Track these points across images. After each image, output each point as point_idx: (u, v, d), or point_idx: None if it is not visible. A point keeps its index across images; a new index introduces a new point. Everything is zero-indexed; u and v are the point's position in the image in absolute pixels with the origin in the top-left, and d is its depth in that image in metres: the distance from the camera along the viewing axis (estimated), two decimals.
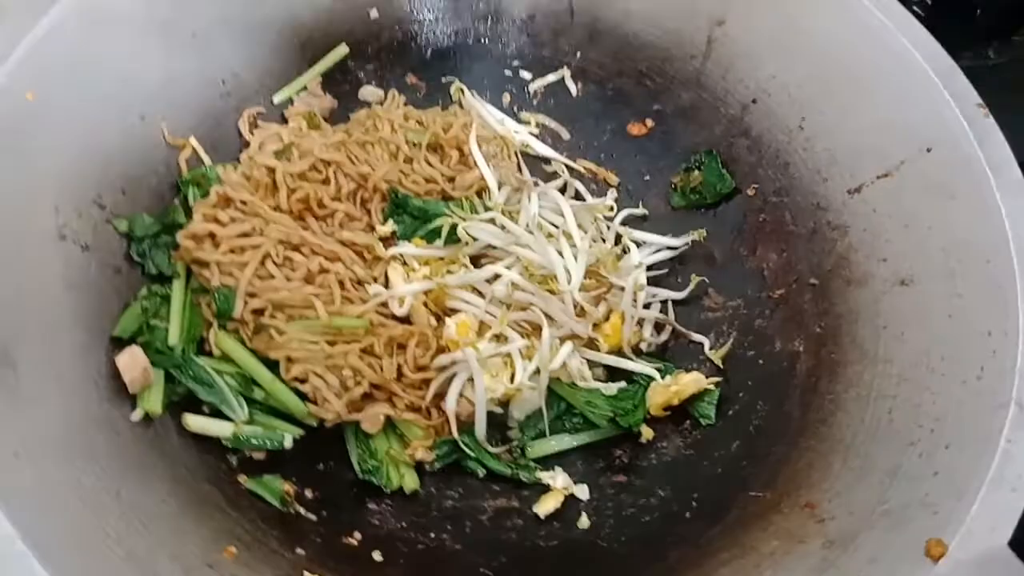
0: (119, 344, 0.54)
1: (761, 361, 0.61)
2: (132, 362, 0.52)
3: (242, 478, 0.53)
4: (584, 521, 0.56)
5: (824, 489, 0.51)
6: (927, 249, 0.56)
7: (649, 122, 0.71)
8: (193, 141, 0.63)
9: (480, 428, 0.56)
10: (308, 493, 0.55)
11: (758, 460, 0.56)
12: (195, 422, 0.53)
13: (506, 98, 0.72)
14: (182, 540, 0.47)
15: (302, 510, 0.54)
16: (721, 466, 0.57)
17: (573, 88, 0.72)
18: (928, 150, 0.57)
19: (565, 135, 0.72)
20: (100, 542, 0.43)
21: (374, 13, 0.70)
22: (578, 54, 0.72)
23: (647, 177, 0.70)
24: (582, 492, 0.56)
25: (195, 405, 0.55)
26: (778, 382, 0.60)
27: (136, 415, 0.52)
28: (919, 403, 0.51)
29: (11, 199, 0.50)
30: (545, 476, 0.56)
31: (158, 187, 0.61)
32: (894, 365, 0.54)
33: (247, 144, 0.64)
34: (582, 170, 0.70)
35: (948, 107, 0.56)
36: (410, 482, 0.55)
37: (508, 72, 0.73)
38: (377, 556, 0.53)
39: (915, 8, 0.80)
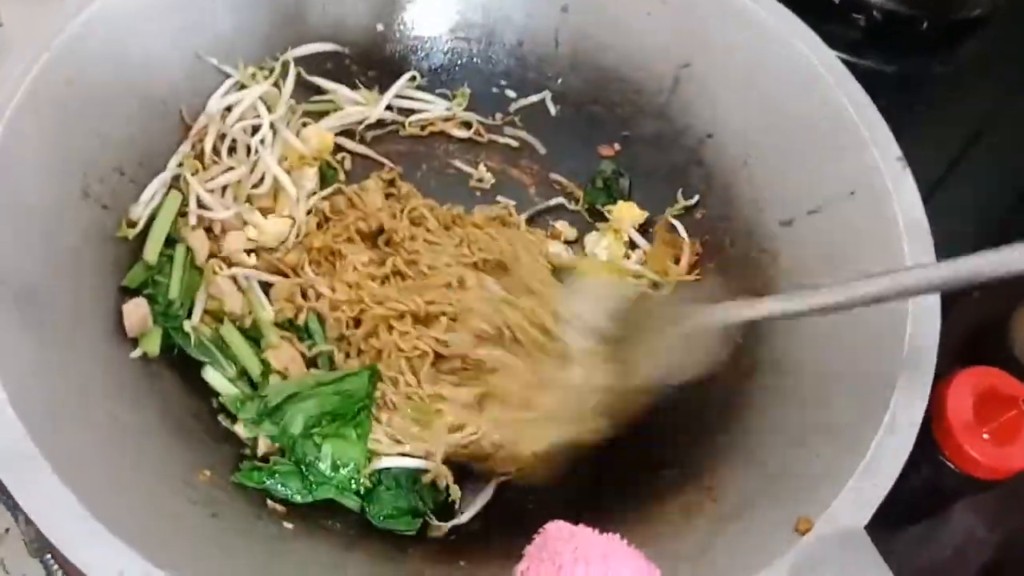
0: (128, 293, 0.62)
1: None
2: (136, 310, 0.60)
3: (221, 417, 0.61)
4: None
5: (723, 474, 0.59)
6: (840, 279, 0.64)
7: (617, 145, 0.79)
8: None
9: None
10: None
11: (674, 445, 0.64)
12: (212, 376, 0.62)
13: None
14: (165, 459, 0.55)
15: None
16: (641, 446, 0.64)
17: (552, 109, 0.80)
18: (852, 193, 0.65)
19: (541, 149, 0.80)
20: (97, 452, 0.51)
21: (379, 27, 0.79)
22: (559, 79, 0.80)
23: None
24: None
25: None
26: (703, 382, 0.67)
27: (135, 353, 0.60)
28: (812, 410, 0.59)
29: (48, 163, 0.59)
30: None
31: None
32: (797, 378, 0.62)
33: None
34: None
35: (872, 158, 0.65)
36: None
37: (495, 89, 0.81)
38: None
39: (864, 17, 0.88)
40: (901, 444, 0.53)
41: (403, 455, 0.60)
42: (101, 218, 0.62)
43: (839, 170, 0.67)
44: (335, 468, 0.58)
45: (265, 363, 0.62)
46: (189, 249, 0.65)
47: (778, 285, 0.69)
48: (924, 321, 0.58)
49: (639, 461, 0.63)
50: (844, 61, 0.67)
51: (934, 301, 0.59)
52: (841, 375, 0.59)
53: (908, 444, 0.53)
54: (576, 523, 0.59)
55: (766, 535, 0.52)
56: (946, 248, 0.63)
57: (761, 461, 0.58)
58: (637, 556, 0.43)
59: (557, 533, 0.44)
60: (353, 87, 0.78)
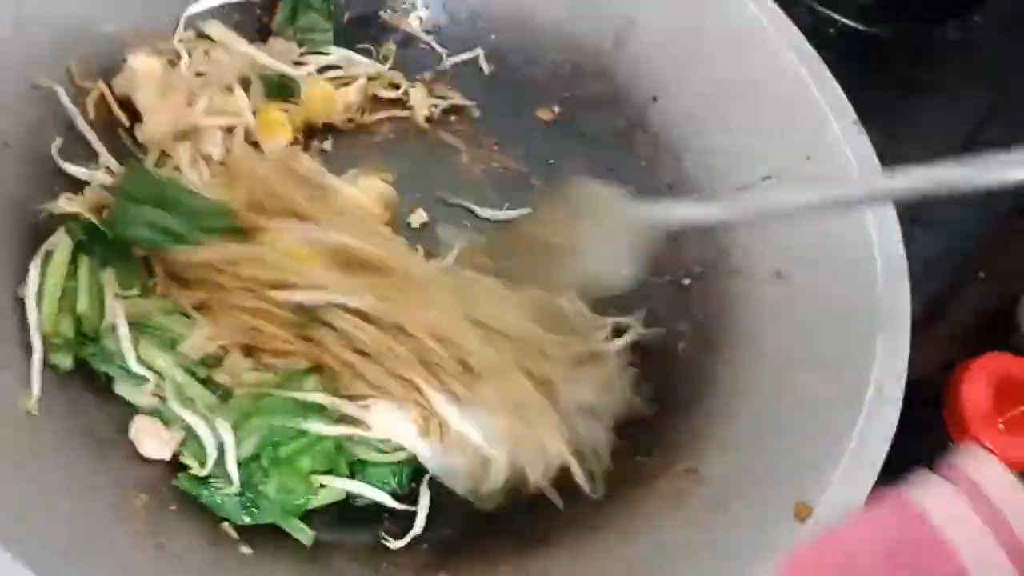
0: None
1: (650, 339, 0.66)
2: None
3: None
4: None
5: (704, 455, 0.57)
6: (800, 247, 0.62)
7: (557, 108, 0.74)
8: (102, 85, 0.61)
9: None
10: None
11: (645, 428, 0.60)
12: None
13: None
14: (95, 484, 0.47)
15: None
16: (610, 432, 0.61)
17: (486, 68, 0.75)
18: (808, 158, 0.64)
19: (475, 112, 0.74)
20: (18, 483, 0.43)
21: None
22: (493, 36, 0.75)
23: (551, 161, 0.73)
24: None
25: None
26: (665, 359, 0.65)
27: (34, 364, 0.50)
28: (790, 383, 0.57)
29: None
30: None
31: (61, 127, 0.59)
32: (767, 348, 0.60)
33: None
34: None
35: (827, 121, 0.63)
36: None
37: (423, 46, 0.74)
38: None
39: None
40: (888, 413, 0.52)
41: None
42: None
43: (793, 134, 0.65)
44: (281, 492, 0.52)
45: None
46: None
47: (732, 256, 0.66)
48: (894, 277, 0.57)
49: (612, 447, 0.60)
50: (854, 29, 0.65)
51: (900, 259, 0.58)
52: (814, 349, 0.58)
53: (896, 411, 0.52)
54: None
55: (764, 521, 0.50)
56: (961, 222, 0.62)
57: (743, 441, 0.56)
58: None
59: None
60: (265, 41, 0.69)
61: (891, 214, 0.60)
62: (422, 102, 0.72)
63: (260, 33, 0.69)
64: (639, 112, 0.72)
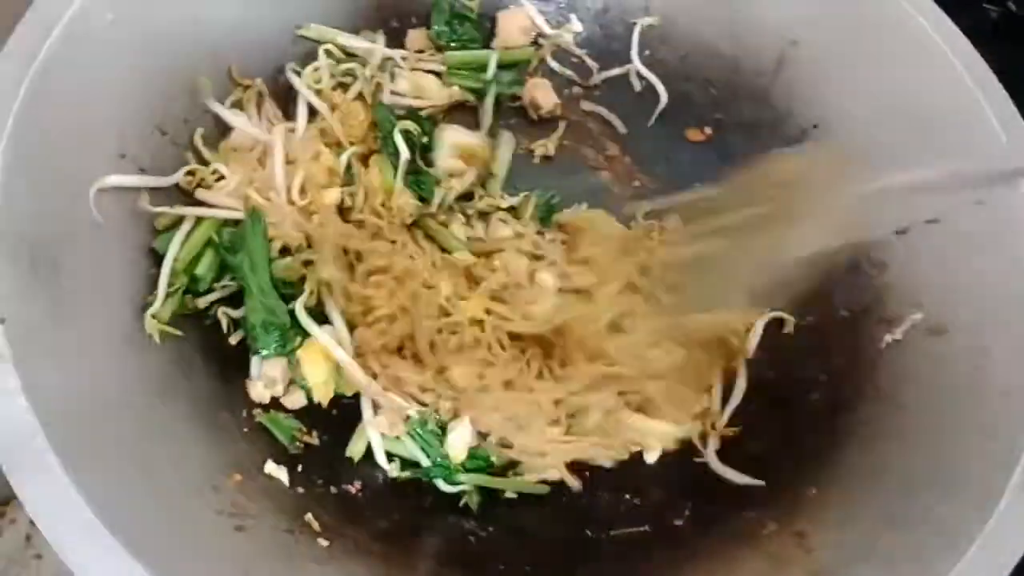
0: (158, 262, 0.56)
1: (780, 384, 0.61)
2: None
3: (257, 412, 0.55)
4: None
5: (817, 521, 0.52)
6: (963, 301, 0.56)
7: (708, 130, 0.71)
8: (259, 83, 0.65)
9: None
10: (317, 438, 0.56)
11: (762, 480, 0.56)
12: None
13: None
14: (191, 459, 0.49)
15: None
16: (720, 480, 0.57)
17: (637, 84, 0.72)
18: (979, 203, 0.57)
19: (621, 129, 0.72)
20: (114, 448, 0.45)
21: None
22: (647, 52, 0.72)
23: (696, 184, 0.70)
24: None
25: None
26: (793, 408, 0.60)
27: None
28: (926, 453, 0.51)
29: (81, 115, 0.53)
30: None
31: (219, 120, 0.63)
32: (908, 412, 0.54)
33: None
34: None
35: (1006, 164, 0.56)
36: None
37: (574, 59, 0.73)
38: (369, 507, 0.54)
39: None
40: None
41: None
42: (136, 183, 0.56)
43: (967, 176, 0.58)
44: None
45: None
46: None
47: (885, 304, 0.60)
48: None
49: (720, 496, 0.56)
50: None
51: None
52: (964, 417, 0.51)
53: None
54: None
55: None
56: None
57: (862, 511, 0.51)
58: None
59: None
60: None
61: None
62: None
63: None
64: (797, 139, 0.67)
